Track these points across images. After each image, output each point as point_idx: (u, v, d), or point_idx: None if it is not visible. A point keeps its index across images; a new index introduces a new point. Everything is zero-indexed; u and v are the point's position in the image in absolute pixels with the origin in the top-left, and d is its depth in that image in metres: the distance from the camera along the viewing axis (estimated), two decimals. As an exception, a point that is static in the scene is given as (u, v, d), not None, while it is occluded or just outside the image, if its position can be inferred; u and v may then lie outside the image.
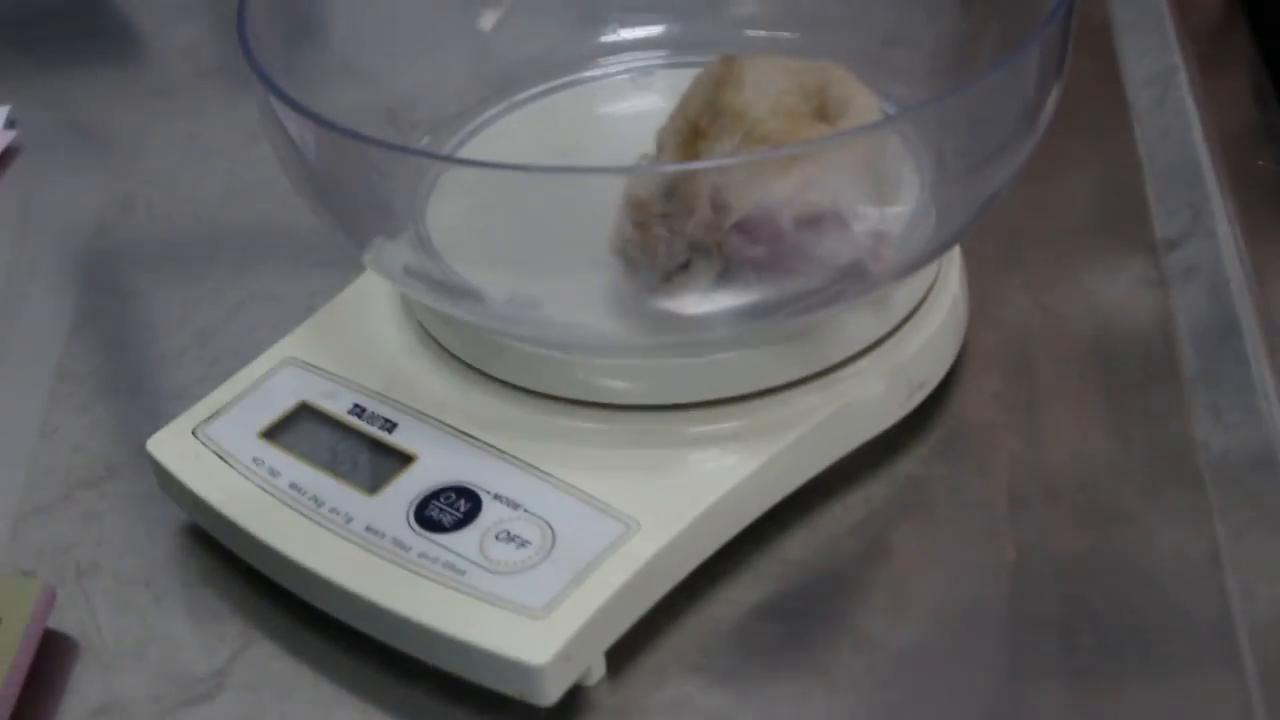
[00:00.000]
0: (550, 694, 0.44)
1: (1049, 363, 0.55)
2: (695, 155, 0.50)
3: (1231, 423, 0.52)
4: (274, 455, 0.49)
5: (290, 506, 0.48)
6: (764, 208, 0.47)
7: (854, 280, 0.48)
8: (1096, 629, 0.46)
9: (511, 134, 0.57)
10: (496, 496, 0.47)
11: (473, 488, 0.48)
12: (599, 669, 0.46)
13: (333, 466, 0.49)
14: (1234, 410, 0.52)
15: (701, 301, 0.48)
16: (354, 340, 0.53)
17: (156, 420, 0.52)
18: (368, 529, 0.47)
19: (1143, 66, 0.67)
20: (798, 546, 0.49)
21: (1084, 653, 0.46)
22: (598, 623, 0.45)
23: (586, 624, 0.44)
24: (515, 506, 0.47)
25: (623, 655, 0.46)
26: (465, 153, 0.57)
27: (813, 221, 0.47)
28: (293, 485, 0.48)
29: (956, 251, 0.54)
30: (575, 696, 0.45)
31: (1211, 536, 0.48)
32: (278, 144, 0.50)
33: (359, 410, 0.50)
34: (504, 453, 0.48)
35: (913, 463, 0.51)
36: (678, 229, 0.47)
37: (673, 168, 0.48)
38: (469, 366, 0.51)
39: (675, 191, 0.47)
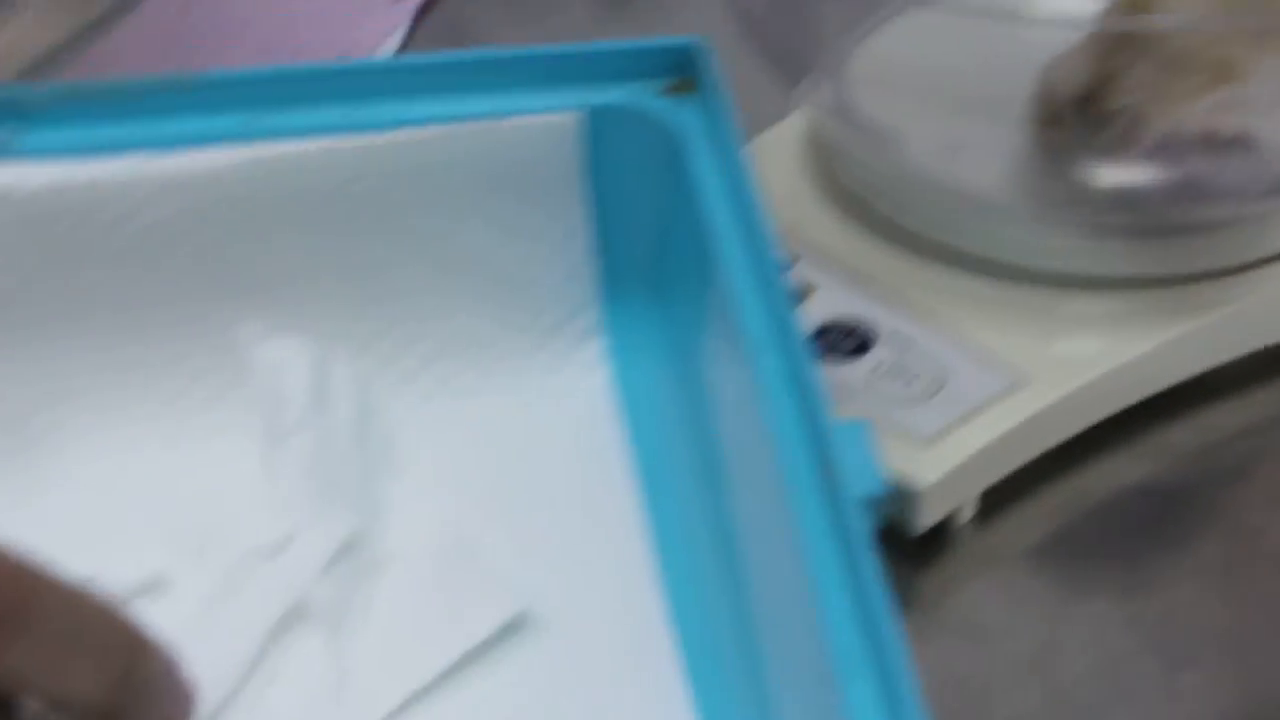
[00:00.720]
0: (925, 519, 0.45)
1: None
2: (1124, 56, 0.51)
3: None
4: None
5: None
6: (1175, 134, 0.47)
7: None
8: None
9: (924, 24, 0.59)
10: (890, 335, 0.48)
11: (867, 323, 0.49)
12: (970, 509, 0.46)
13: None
14: None
15: (1111, 180, 0.48)
16: (763, 181, 0.54)
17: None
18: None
19: None
20: (1181, 434, 0.49)
21: None
22: (978, 462, 0.45)
23: (968, 460, 0.45)
24: (907, 347, 0.48)
25: (994, 503, 0.47)
26: (875, 37, 0.58)
27: (1226, 145, 0.47)
28: None
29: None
30: (942, 533, 0.46)
31: None
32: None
33: (762, 244, 0.52)
34: (902, 297, 0.49)
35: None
36: (1089, 137, 0.48)
37: (1121, 23, 0.49)
38: (874, 215, 0.52)
39: (1091, 98, 0.48)
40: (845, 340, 0.48)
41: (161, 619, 0.36)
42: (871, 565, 0.27)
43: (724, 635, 0.36)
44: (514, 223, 0.44)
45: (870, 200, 0.52)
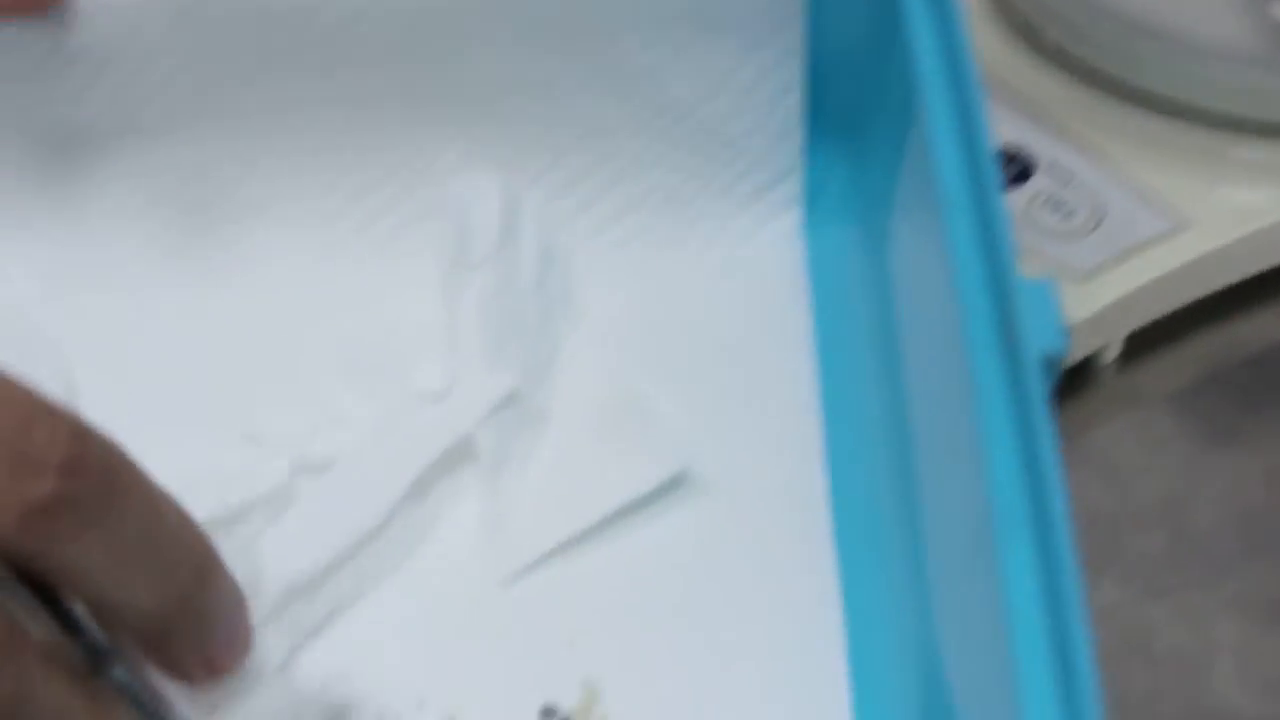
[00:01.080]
0: (1072, 355, 0.45)
1: None
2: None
3: None
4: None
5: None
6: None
7: None
8: None
9: None
10: (1051, 165, 0.48)
11: (1029, 152, 0.48)
12: (1116, 348, 0.46)
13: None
14: None
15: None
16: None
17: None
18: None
19: None
20: (1340, 293, 0.48)
21: None
22: (1131, 302, 0.45)
23: (1122, 299, 0.45)
24: (1068, 179, 0.47)
25: (1139, 345, 0.47)
26: None
27: None
28: None
29: None
30: (1085, 370, 0.46)
31: None
32: None
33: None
34: (1066, 127, 0.49)
35: None
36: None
37: None
38: (1045, 40, 0.51)
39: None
40: (1005, 167, 0.48)
41: (323, 444, 0.37)
42: (1046, 426, 0.27)
43: (884, 520, 0.36)
44: (729, 73, 0.42)
45: (1043, 25, 0.51)
